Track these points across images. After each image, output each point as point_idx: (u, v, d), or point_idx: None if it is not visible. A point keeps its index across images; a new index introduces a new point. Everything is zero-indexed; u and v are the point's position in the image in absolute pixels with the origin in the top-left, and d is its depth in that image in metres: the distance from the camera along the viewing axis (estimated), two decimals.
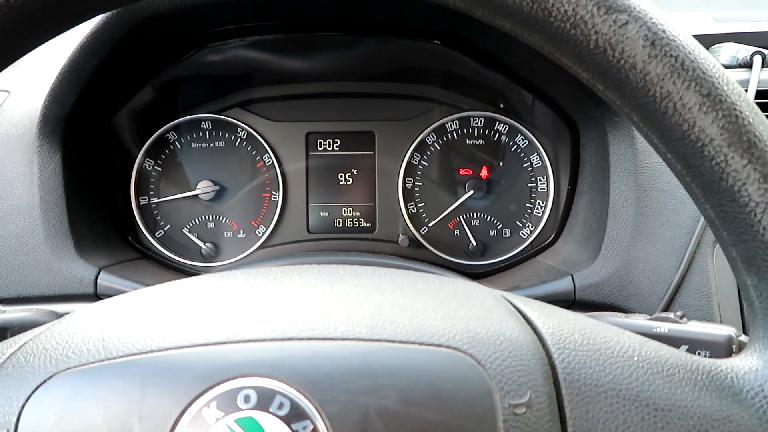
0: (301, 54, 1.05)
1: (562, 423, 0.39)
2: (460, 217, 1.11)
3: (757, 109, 0.40)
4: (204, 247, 1.11)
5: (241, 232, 1.12)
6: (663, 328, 0.60)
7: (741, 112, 0.39)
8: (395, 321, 0.41)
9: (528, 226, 1.10)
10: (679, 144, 0.41)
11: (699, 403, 0.41)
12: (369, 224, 1.13)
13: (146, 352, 0.38)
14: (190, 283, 0.48)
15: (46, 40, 0.42)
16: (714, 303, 0.81)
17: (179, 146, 1.12)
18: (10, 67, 1.10)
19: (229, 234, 1.12)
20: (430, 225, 1.11)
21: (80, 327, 0.42)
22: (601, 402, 0.40)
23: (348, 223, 1.13)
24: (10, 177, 0.92)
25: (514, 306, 0.46)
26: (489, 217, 1.11)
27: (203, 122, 1.12)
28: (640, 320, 0.61)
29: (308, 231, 1.13)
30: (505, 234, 1.11)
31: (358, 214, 1.13)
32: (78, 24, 0.42)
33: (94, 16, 0.43)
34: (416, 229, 1.11)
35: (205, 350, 0.38)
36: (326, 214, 1.13)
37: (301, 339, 0.39)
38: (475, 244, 1.09)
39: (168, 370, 0.37)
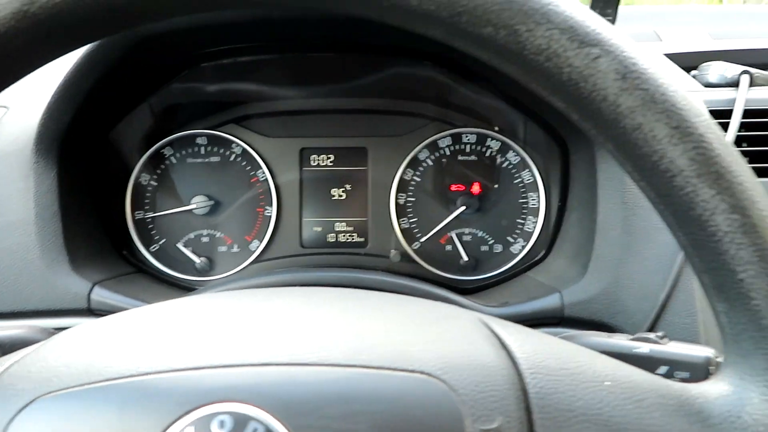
0: (293, 74, 1.07)
1: None
2: (452, 232, 1.12)
3: (726, 140, 0.41)
4: (198, 261, 1.12)
5: (235, 246, 1.13)
6: (644, 348, 0.61)
7: (710, 144, 0.40)
8: (372, 346, 0.42)
9: (519, 241, 1.11)
10: (651, 174, 0.42)
11: (668, 428, 0.42)
12: (362, 239, 1.14)
13: (126, 377, 0.39)
14: (175, 305, 0.49)
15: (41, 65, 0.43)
16: (699, 322, 0.82)
17: (175, 161, 1.13)
18: None
19: (223, 248, 1.13)
20: (422, 240, 1.12)
21: (64, 350, 0.43)
22: (571, 427, 0.41)
23: (341, 238, 1.14)
24: (7, 193, 0.93)
25: (492, 330, 0.47)
26: (481, 232, 1.12)
27: (198, 138, 1.13)
28: (621, 340, 0.62)
29: (301, 246, 1.14)
30: (497, 249, 1.11)
31: (350, 229, 1.14)
32: (77, 48, 0.43)
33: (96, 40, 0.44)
34: (408, 245, 1.12)
35: (183, 375, 0.39)
36: (319, 229, 1.14)
37: (278, 365, 0.40)
38: (466, 259, 1.10)
39: (146, 395, 0.38)
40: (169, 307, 0.48)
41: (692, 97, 0.42)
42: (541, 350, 0.45)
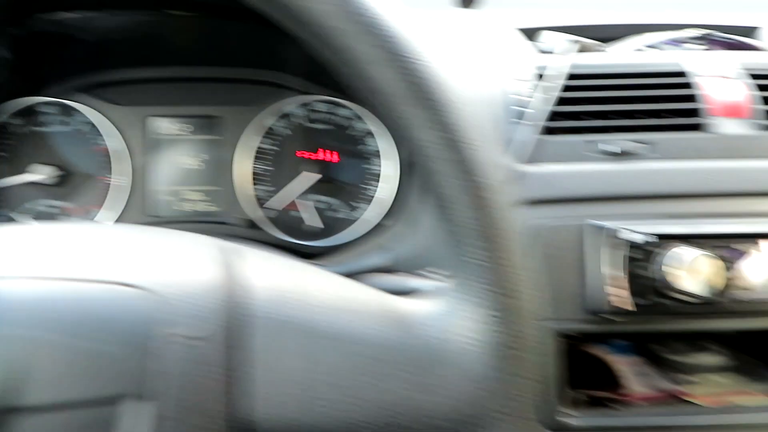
0: (140, 40, 1.06)
1: (227, 353, 0.41)
2: (302, 199, 1.13)
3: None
4: None
5: (84, 217, 1.11)
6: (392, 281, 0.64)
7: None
8: (83, 261, 0.42)
9: (364, 208, 1.13)
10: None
11: (378, 334, 0.44)
12: (213, 208, 1.14)
13: None
14: None
15: None
16: None
17: (19, 132, 1.10)
18: None
19: (71, 219, 1.11)
20: (269, 206, 1.13)
21: None
22: (277, 336, 0.42)
23: (190, 207, 1.13)
24: None
25: (211, 252, 0.47)
26: (329, 198, 1.13)
27: (42, 106, 1.10)
28: (395, 277, 0.65)
29: (151, 215, 1.13)
30: (346, 215, 1.13)
31: (200, 197, 1.13)
32: None
33: None
34: (257, 212, 1.12)
35: None
36: (169, 198, 1.13)
37: None
38: (315, 226, 1.12)
39: None
40: None
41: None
42: (254, 263, 0.46)
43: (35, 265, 0.41)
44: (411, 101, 0.44)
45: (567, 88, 0.96)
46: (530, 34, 1.15)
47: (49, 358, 0.38)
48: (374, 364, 0.42)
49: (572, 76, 0.98)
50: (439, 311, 0.46)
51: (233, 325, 0.42)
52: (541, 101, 0.92)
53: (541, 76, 0.96)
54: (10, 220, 1.09)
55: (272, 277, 0.45)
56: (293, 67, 1.14)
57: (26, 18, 0.98)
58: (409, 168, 1.08)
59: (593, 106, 0.95)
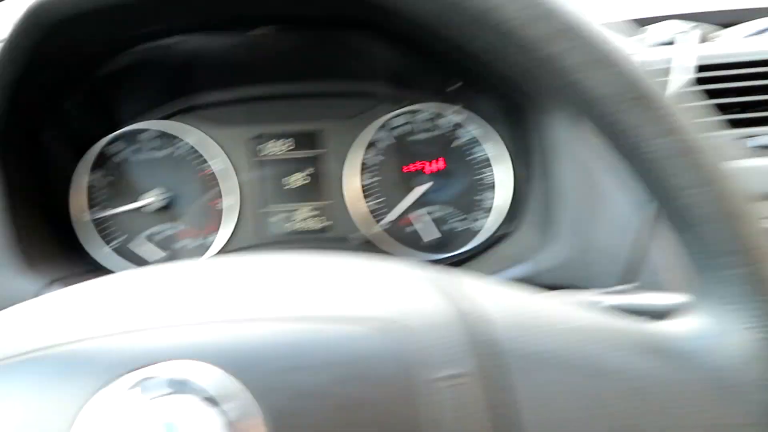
0: (238, 59, 1.04)
1: (498, 394, 0.38)
2: (415, 212, 1.10)
3: (643, 69, 0.41)
4: (160, 257, 1.08)
5: (197, 240, 1.10)
6: (610, 301, 0.60)
7: (626, 71, 0.40)
8: (318, 298, 0.40)
9: (482, 217, 1.10)
10: (591, 111, 0.41)
11: (646, 366, 0.40)
12: (324, 224, 1.11)
13: (44, 348, 0.36)
14: (108, 279, 0.46)
15: None
16: (668, 275, 0.81)
17: (126, 157, 1.09)
18: None
19: (185, 242, 1.10)
20: (384, 222, 1.10)
21: None
22: (545, 371, 0.39)
23: (302, 225, 1.11)
24: None
25: (440, 279, 0.45)
26: (444, 211, 1.10)
27: (144, 132, 1.09)
28: (589, 296, 0.60)
29: (263, 235, 1.11)
30: (462, 227, 1.10)
31: (312, 215, 1.11)
32: None
33: None
34: (371, 227, 1.10)
35: (112, 340, 0.36)
36: (280, 217, 1.11)
37: (221, 321, 0.37)
38: (431, 239, 1.09)
39: (68, 364, 0.35)
40: (107, 280, 0.45)
41: (605, 29, 0.41)
42: (490, 296, 0.43)
43: (278, 305, 0.39)
44: (634, 103, 0.40)
45: (699, 81, 0.92)
46: (642, 23, 1.10)
47: (328, 406, 0.35)
48: (654, 402, 0.38)
49: (702, 68, 0.94)
50: (703, 336, 0.42)
51: (486, 362, 0.39)
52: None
53: (668, 69, 0.91)
54: (125, 247, 1.09)
55: (507, 305, 0.42)
56: (387, 75, 1.11)
57: (130, 46, 0.97)
58: (527, 173, 1.04)
59: (726, 99, 0.90)
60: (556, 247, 0.88)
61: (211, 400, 0.34)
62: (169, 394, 0.34)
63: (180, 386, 0.34)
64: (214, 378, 0.34)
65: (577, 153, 0.87)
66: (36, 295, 0.88)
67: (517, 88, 0.95)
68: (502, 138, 1.09)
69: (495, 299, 0.43)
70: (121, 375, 0.34)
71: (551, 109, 0.89)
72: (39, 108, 0.95)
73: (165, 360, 0.35)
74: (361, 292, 0.41)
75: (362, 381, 0.36)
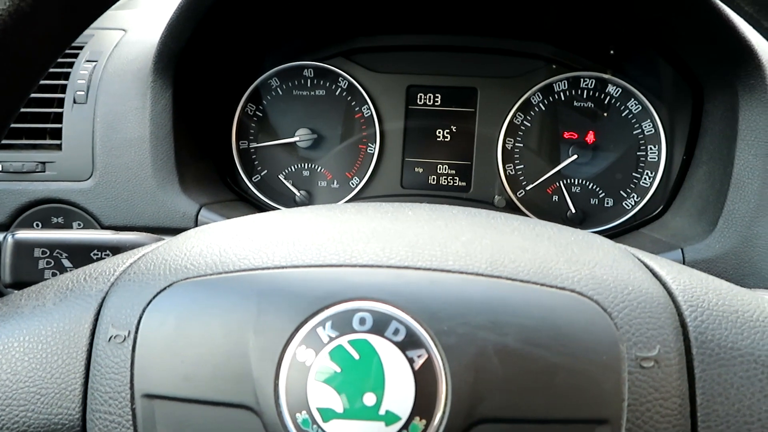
0: (402, 7, 1.03)
1: (690, 383, 0.36)
2: (561, 182, 1.06)
3: None
4: (298, 194, 1.12)
5: (335, 182, 1.13)
6: None
7: None
8: (515, 260, 0.39)
9: (633, 196, 1.04)
10: None
11: None
12: (464, 183, 1.10)
13: (263, 269, 0.38)
14: (305, 210, 0.48)
15: None
16: None
17: (281, 93, 1.13)
18: (127, 8, 1.12)
19: (323, 183, 1.13)
20: (527, 188, 1.07)
21: (197, 243, 0.43)
22: (736, 366, 0.37)
23: (442, 181, 1.11)
24: (124, 110, 0.95)
25: (640, 260, 0.43)
26: (591, 184, 1.05)
27: (305, 69, 1.12)
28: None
29: (402, 186, 1.12)
30: (608, 203, 1.05)
31: (453, 172, 1.10)
32: None
33: None
34: (513, 192, 1.07)
35: (321, 271, 0.38)
36: (421, 170, 1.11)
37: (419, 269, 0.38)
38: (574, 211, 1.05)
39: (285, 287, 0.37)
40: (301, 212, 0.47)
41: None
42: (697, 284, 0.41)
43: (472, 261, 0.39)
44: None
45: None
46: None
47: (515, 367, 0.35)
48: None
49: None
50: None
51: (678, 348, 0.37)
52: None
53: None
54: (264, 181, 1.13)
55: (704, 292, 0.40)
56: (552, 38, 1.06)
57: None
58: (691, 155, 0.97)
59: None
60: (715, 238, 0.82)
61: (401, 345, 0.34)
62: (364, 332, 0.34)
63: (374, 328, 0.34)
64: (406, 324, 0.35)
65: (764, 140, 0.80)
66: (189, 217, 0.94)
67: (707, 61, 0.88)
68: (665, 116, 1.01)
69: (703, 287, 0.40)
70: (327, 306, 0.35)
71: (743, 89, 0.81)
72: (217, 40, 0.99)
73: (362, 299, 0.35)
74: (557, 260, 0.40)
75: (557, 347, 0.35)
